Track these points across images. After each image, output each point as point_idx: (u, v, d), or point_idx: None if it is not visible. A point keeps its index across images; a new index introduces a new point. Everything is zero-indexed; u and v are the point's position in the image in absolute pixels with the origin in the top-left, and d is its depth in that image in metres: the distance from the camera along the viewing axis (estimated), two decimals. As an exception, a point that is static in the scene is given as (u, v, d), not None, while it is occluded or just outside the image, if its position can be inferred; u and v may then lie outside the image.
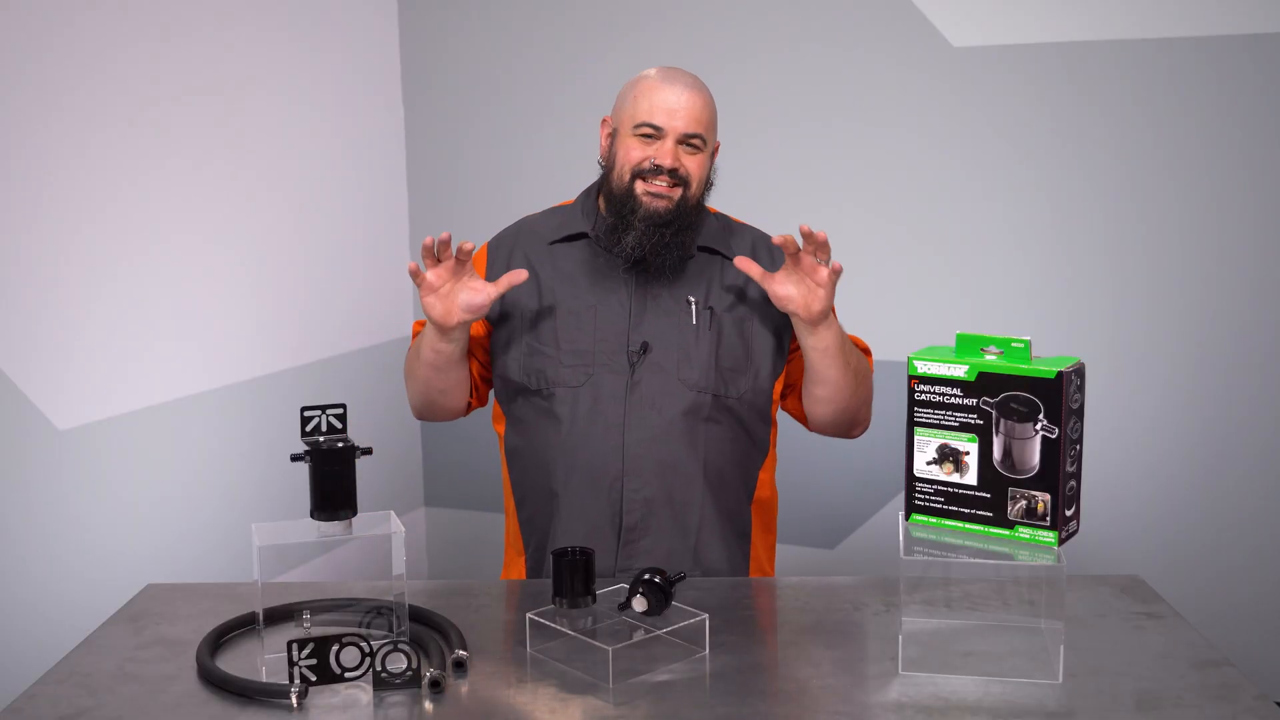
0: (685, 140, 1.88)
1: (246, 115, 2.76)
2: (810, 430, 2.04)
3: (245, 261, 2.76)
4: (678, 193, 1.88)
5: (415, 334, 2.05)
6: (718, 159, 1.99)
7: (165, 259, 2.52)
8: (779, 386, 2.00)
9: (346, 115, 3.14)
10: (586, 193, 2.03)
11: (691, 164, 1.89)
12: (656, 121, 1.87)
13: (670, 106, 1.87)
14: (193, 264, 2.60)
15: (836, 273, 1.79)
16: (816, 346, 1.87)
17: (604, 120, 1.99)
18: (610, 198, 1.93)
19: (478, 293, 1.83)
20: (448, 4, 3.31)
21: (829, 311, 1.84)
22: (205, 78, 2.63)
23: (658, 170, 1.87)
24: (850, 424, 2.00)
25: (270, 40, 2.84)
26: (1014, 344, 1.44)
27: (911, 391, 1.49)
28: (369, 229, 3.25)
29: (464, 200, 3.34)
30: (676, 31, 3.08)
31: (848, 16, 2.93)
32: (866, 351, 2.04)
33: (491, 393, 2.06)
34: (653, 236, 1.88)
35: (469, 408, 2.06)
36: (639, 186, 1.88)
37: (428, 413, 2.04)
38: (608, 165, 1.95)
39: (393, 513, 1.55)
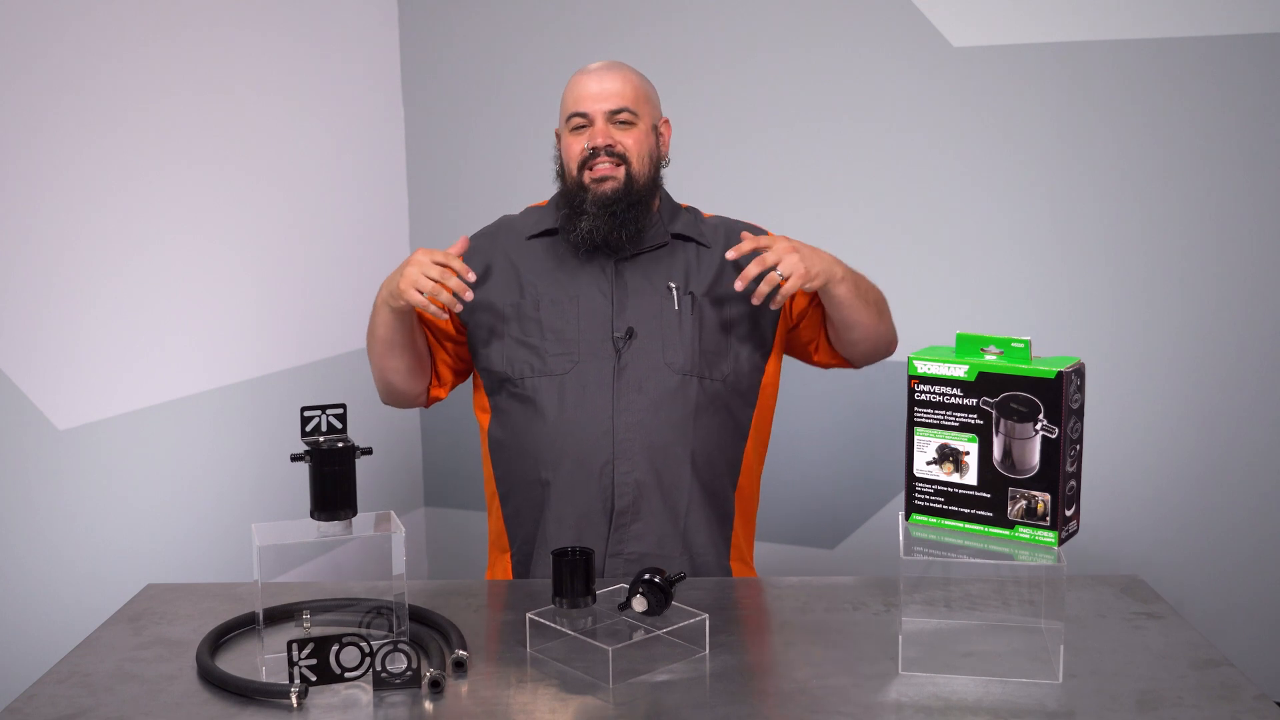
0: (613, 119, 1.95)
1: (246, 115, 2.76)
2: (855, 368, 2.09)
3: (245, 262, 2.76)
4: (621, 171, 1.94)
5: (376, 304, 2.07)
6: (671, 135, 2.06)
7: (165, 259, 2.52)
8: (770, 368, 2.03)
9: (346, 115, 3.14)
10: (560, 192, 2.07)
11: (627, 139, 1.95)
12: (582, 109, 1.96)
13: (592, 92, 1.96)
14: (193, 264, 2.60)
15: (771, 283, 1.83)
16: (834, 302, 1.91)
17: (555, 133, 2.06)
18: (565, 195, 1.99)
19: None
20: (448, 4, 3.31)
21: (827, 273, 1.86)
22: (205, 78, 2.63)
23: (595, 154, 1.94)
24: (885, 348, 2.06)
25: (270, 40, 2.84)
26: (1014, 344, 1.44)
27: (911, 391, 1.49)
28: (369, 229, 3.25)
29: (464, 200, 3.34)
30: (677, 31, 3.08)
31: (848, 16, 2.93)
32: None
33: (458, 386, 2.11)
34: (604, 218, 1.93)
35: (429, 395, 2.08)
36: (586, 176, 1.94)
37: (387, 395, 2.07)
38: (560, 170, 2.02)
39: (393, 513, 1.55)
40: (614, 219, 1.93)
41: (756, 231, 2.07)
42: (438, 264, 1.83)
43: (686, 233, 2.02)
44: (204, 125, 2.62)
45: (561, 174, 2.01)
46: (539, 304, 1.96)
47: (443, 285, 1.82)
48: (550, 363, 1.93)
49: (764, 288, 1.84)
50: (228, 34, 2.70)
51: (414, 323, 1.98)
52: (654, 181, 1.99)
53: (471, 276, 1.85)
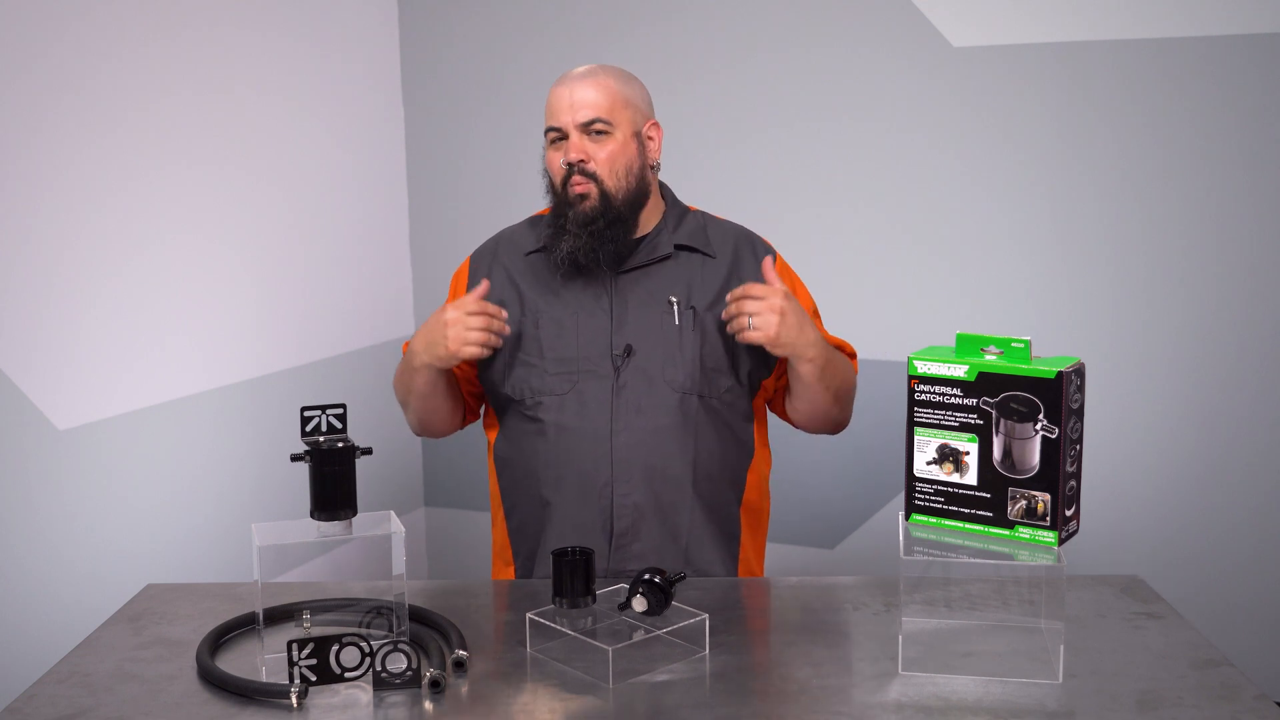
0: (587, 130, 1.89)
1: (247, 115, 2.76)
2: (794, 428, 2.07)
3: (245, 261, 2.76)
4: (593, 188, 1.88)
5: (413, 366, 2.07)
6: (663, 138, 1.98)
7: (165, 259, 2.52)
8: (769, 386, 2.00)
9: (346, 115, 3.14)
10: (551, 206, 2.04)
11: (600, 153, 1.88)
12: (556, 123, 1.90)
13: (563, 105, 1.90)
14: (193, 264, 2.60)
15: (741, 326, 1.81)
16: (794, 374, 1.89)
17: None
18: (554, 210, 1.94)
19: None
20: (448, 4, 3.31)
21: (794, 348, 1.83)
22: (205, 78, 2.63)
23: (570, 170, 1.89)
24: (831, 428, 2.03)
25: (270, 40, 2.84)
26: (1014, 344, 1.44)
27: (911, 391, 1.49)
28: (369, 229, 3.25)
29: (464, 200, 3.34)
30: (677, 32, 3.08)
31: (848, 16, 2.93)
32: (852, 355, 2.05)
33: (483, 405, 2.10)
34: (584, 237, 1.88)
35: (464, 422, 2.09)
36: (569, 192, 1.89)
37: (426, 432, 2.08)
38: (550, 183, 1.97)
39: (393, 513, 1.55)
40: (594, 238, 1.87)
41: (764, 250, 2.01)
42: (472, 313, 1.83)
43: (691, 243, 1.96)
44: (204, 125, 2.62)
45: (551, 187, 1.97)
46: (538, 322, 1.93)
47: (489, 332, 1.84)
48: (550, 382, 1.90)
49: (733, 326, 1.83)
50: (228, 34, 2.70)
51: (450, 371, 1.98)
52: (636, 194, 1.91)
53: (504, 314, 1.86)
